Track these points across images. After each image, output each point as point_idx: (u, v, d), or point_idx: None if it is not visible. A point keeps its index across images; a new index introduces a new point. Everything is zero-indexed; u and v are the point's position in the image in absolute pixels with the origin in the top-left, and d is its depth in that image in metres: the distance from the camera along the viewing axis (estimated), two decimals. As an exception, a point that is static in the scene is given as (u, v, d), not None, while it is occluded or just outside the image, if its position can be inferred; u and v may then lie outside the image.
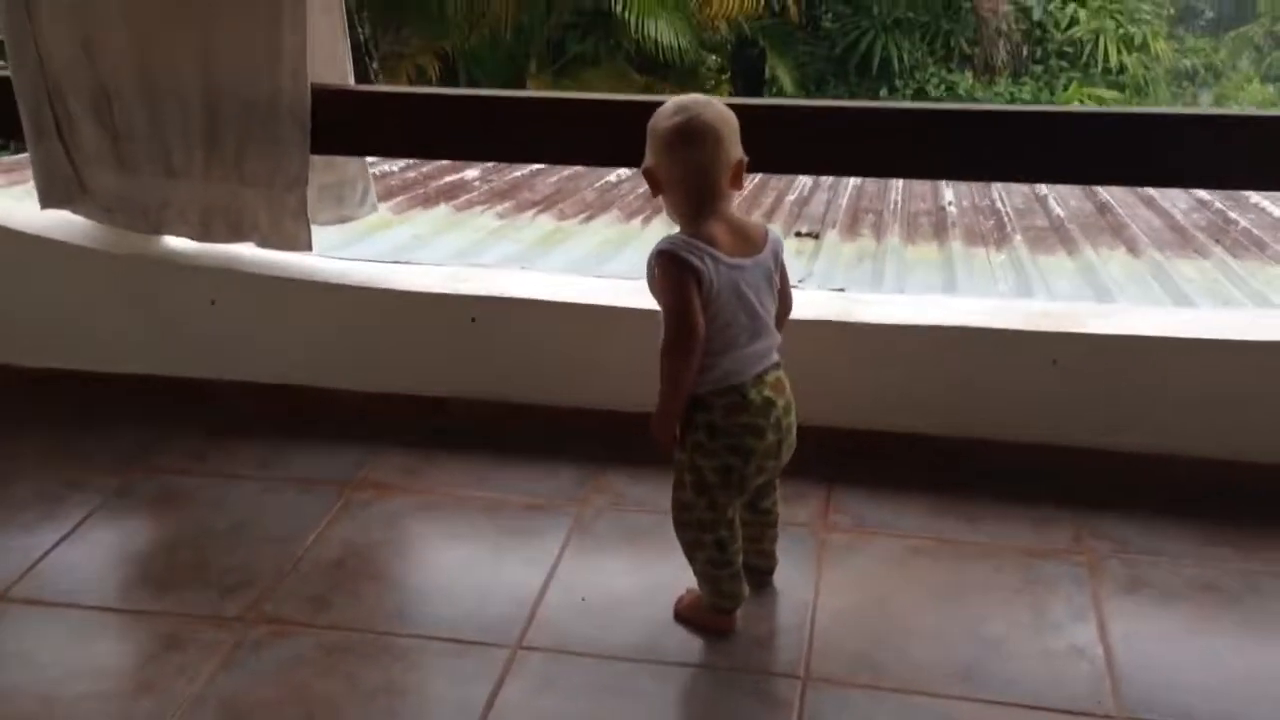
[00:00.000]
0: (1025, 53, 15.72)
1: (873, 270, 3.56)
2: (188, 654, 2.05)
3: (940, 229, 4.12)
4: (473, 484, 2.62)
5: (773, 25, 14.40)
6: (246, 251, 2.91)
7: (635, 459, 2.64)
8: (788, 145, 2.53)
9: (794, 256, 3.75)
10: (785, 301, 2.04)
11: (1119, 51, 16.04)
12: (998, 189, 4.77)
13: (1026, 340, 2.57)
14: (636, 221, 4.28)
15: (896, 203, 4.54)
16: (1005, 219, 4.28)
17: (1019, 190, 4.71)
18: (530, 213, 4.34)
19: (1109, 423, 2.57)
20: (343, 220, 2.94)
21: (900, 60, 15.25)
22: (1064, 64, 16.12)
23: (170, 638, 2.09)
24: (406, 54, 12.71)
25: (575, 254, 3.74)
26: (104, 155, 2.76)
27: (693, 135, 1.84)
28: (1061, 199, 4.62)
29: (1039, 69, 16.10)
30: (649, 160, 1.89)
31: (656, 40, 11.26)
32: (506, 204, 4.46)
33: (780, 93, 15.31)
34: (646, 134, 1.89)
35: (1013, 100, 15.33)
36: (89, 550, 2.37)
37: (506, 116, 2.69)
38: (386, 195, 4.51)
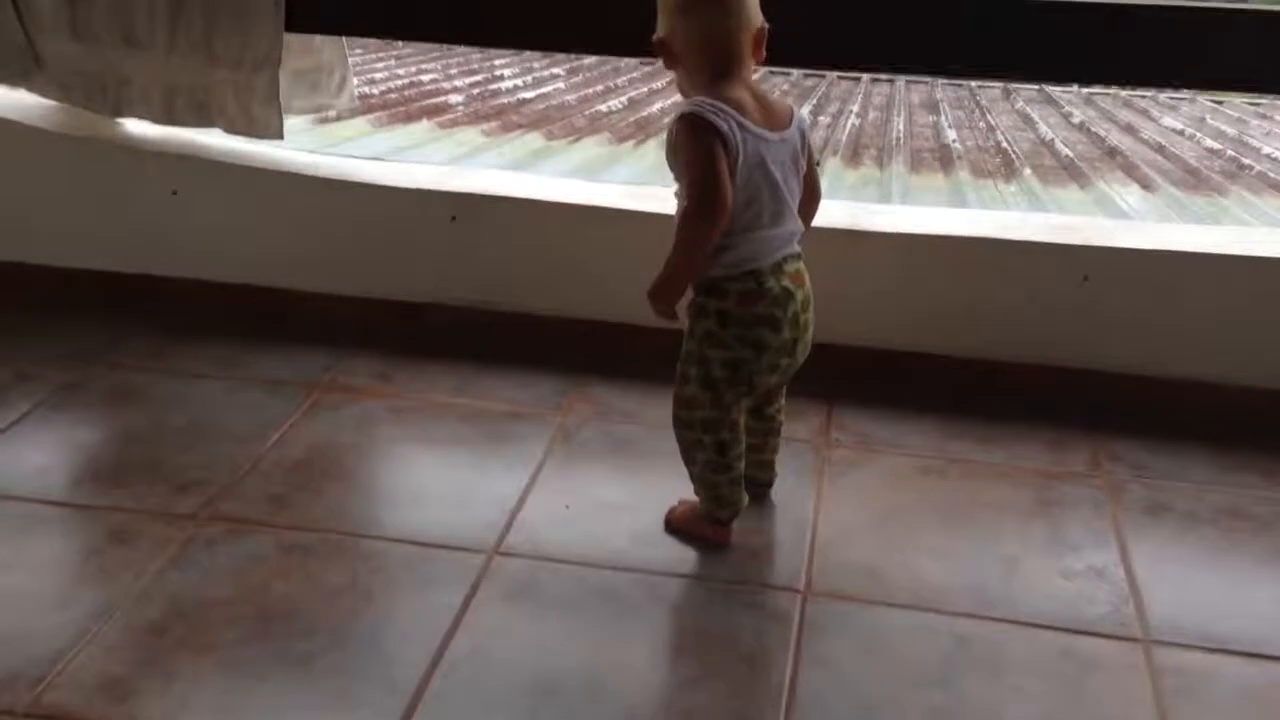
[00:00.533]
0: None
1: (878, 195, 3.40)
2: (135, 549, 1.89)
3: (946, 161, 3.97)
4: (450, 390, 2.46)
5: None
6: (212, 138, 2.73)
7: (622, 370, 2.50)
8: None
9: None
10: (812, 188, 1.88)
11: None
12: (1003, 132, 4.62)
13: (1054, 254, 2.42)
14: (628, 145, 4.11)
15: (898, 138, 4.39)
16: (1013, 156, 4.13)
17: (1024, 133, 4.56)
18: (516, 131, 4.16)
19: (1137, 345, 2.43)
20: (318, 110, 2.76)
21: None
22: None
23: (117, 533, 1.93)
24: None
25: (563, 168, 3.56)
26: (60, 21, 2.57)
27: (714, 6, 1.70)
28: (1069, 142, 4.48)
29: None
30: (661, 29, 1.74)
31: None
32: (492, 124, 4.27)
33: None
34: (658, 4, 1.75)
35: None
36: (32, 443, 2.20)
37: None
38: (364, 110, 4.32)
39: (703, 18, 1.71)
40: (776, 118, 1.76)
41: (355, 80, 2.81)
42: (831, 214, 2.53)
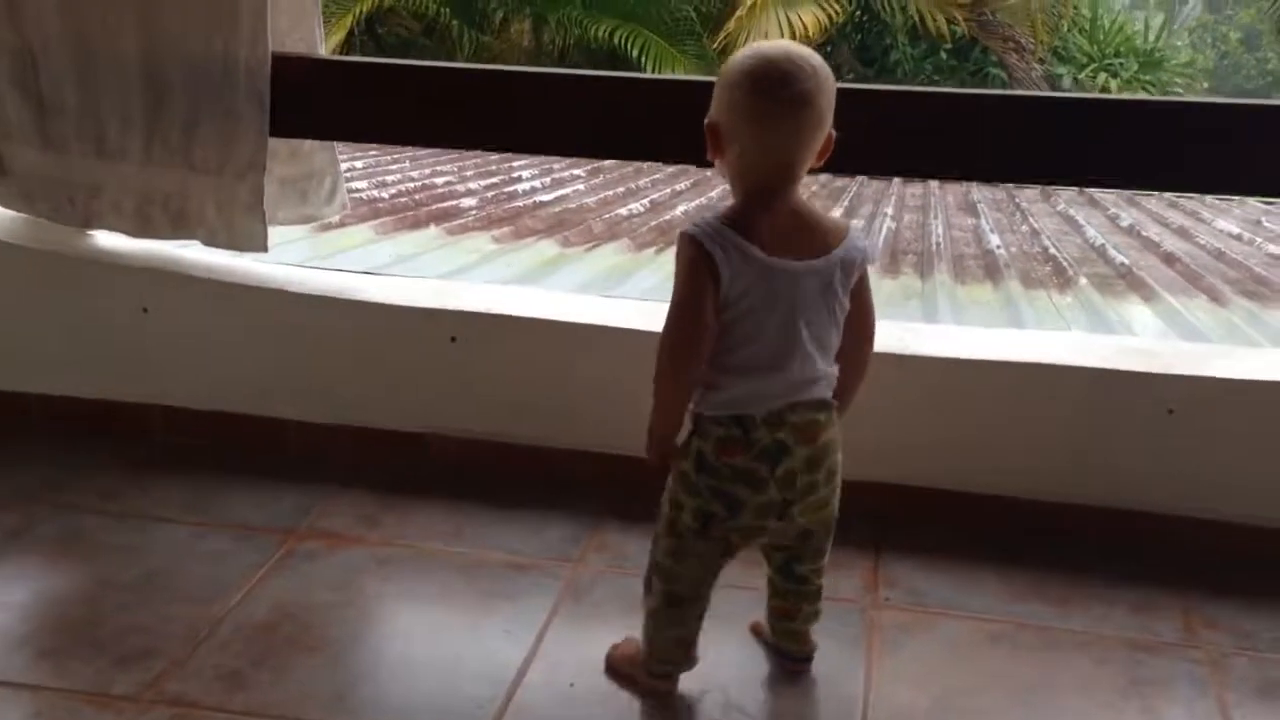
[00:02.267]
0: (1053, 121, 15.51)
1: (922, 309, 3.16)
2: (56, 745, 1.62)
3: (992, 270, 3.74)
4: (446, 535, 2.21)
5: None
6: (189, 251, 2.53)
7: (643, 514, 2.21)
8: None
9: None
10: (862, 326, 1.63)
11: (1150, 123, 15.85)
12: (1048, 236, 4.40)
13: (1131, 384, 2.16)
14: (649, 251, 3.90)
15: (938, 243, 4.17)
16: (1063, 264, 3.89)
17: (1073, 238, 4.34)
18: (529, 238, 3.97)
19: (1229, 488, 2.16)
20: (306, 220, 2.56)
21: (922, 123, 15.03)
22: (1093, 133, 15.93)
23: (36, 722, 1.66)
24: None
25: (580, 276, 3.34)
26: (26, 129, 2.39)
27: (778, 104, 1.46)
28: (1120, 247, 4.24)
29: (1067, 138, 15.90)
30: (714, 114, 1.52)
31: (671, 86, 11.01)
32: (503, 229, 4.08)
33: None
34: (718, 86, 1.53)
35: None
36: (-41, 602, 1.95)
37: (530, 93, 2.29)
38: (370, 216, 4.15)
39: (760, 130, 1.48)
40: (813, 242, 1.52)
41: (349, 186, 2.61)
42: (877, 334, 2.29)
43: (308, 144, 2.46)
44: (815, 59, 1.48)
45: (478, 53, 12.79)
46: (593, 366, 2.37)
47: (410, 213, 4.30)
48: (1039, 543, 2.19)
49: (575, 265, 3.53)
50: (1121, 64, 16.53)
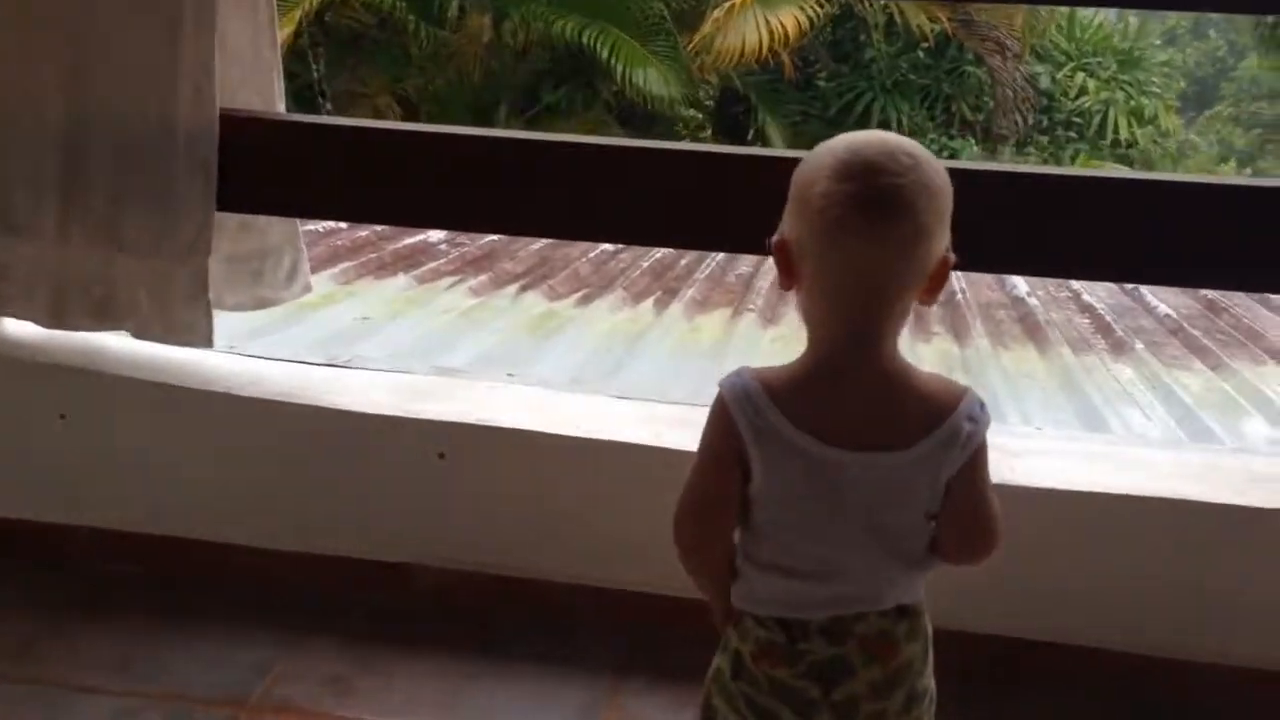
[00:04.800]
0: (1030, 121, 15.34)
1: (971, 383, 2.82)
2: None
3: (1033, 329, 3.41)
4: (435, 703, 1.85)
5: (764, 80, 13.89)
6: (117, 344, 2.15)
7: (673, 668, 1.89)
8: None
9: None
10: (969, 528, 1.20)
11: (1129, 124, 15.75)
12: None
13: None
14: (647, 304, 3.54)
15: (961, 288, 3.85)
16: (1107, 319, 3.58)
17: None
18: (512, 288, 3.60)
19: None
20: (260, 304, 2.19)
21: (899, 124, 14.79)
22: (1071, 134, 15.80)
23: None
24: (363, 94, 12.04)
25: (577, 350, 2.98)
26: (-85, 202, 2.00)
27: (866, 213, 1.07)
28: (1157, 291, 3.94)
29: (1044, 139, 15.76)
30: (786, 228, 1.15)
31: (646, 90, 10.64)
32: (481, 276, 3.71)
33: (770, 153, 14.80)
34: (791, 187, 1.15)
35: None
36: None
37: (526, 164, 1.93)
38: (330, 259, 3.75)
39: (845, 251, 1.09)
40: (905, 422, 1.13)
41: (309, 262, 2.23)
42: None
43: (263, 217, 2.09)
44: (919, 151, 1.11)
45: (434, 48, 12.35)
46: (608, 486, 2.02)
47: (373, 254, 3.91)
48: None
49: (570, 330, 3.16)
50: (1099, 63, 16.40)
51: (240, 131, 1.94)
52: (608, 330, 3.16)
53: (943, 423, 1.12)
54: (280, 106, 2.06)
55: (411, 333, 3.00)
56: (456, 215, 2.00)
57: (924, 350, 3.16)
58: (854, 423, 1.12)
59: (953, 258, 1.12)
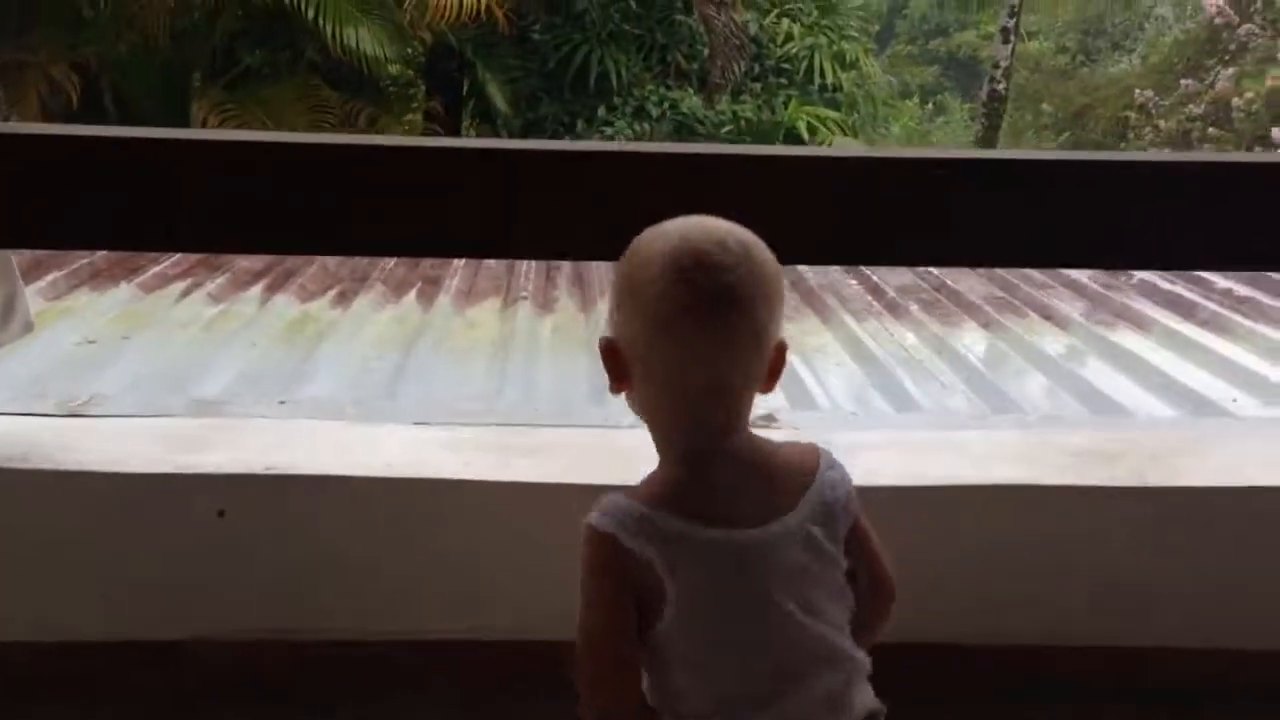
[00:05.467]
0: (743, 69, 15.74)
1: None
2: None
3: (808, 296, 3.40)
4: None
5: (479, 34, 13.53)
6: None
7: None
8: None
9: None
10: (877, 589, 1.17)
11: (834, 69, 16.43)
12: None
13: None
14: (410, 298, 3.29)
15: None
16: (870, 278, 3.62)
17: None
18: (255, 289, 3.25)
19: None
20: (-29, 353, 1.83)
21: (619, 76, 14.84)
22: (782, 80, 16.32)
23: None
24: (33, 64, 10.84)
25: (348, 361, 2.70)
26: None
27: (706, 311, 1.03)
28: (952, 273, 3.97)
29: (757, 86, 16.21)
30: (613, 327, 1.09)
31: (358, 50, 10.09)
32: (217, 278, 3.33)
33: (490, 112, 14.50)
34: (617, 283, 1.10)
35: (736, 120, 15.32)
36: None
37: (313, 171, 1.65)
38: (32, 269, 3.27)
39: (681, 350, 1.04)
40: (774, 492, 1.09)
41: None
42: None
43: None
44: (747, 236, 1.06)
45: (112, 8, 11.26)
46: (417, 528, 1.81)
47: (84, 259, 3.44)
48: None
49: (334, 337, 2.86)
50: (801, 8, 17.00)
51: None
52: (376, 335, 2.89)
53: (813, 478, 1.11)
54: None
55: (150, 357, 2.62)
56: (233, 234, 1.71)
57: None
58: (743, 502, 1.08)
59: (785, 344, 1.10)
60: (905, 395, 2.54)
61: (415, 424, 1.99)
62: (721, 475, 1.07)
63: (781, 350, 1.09)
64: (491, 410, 2.13)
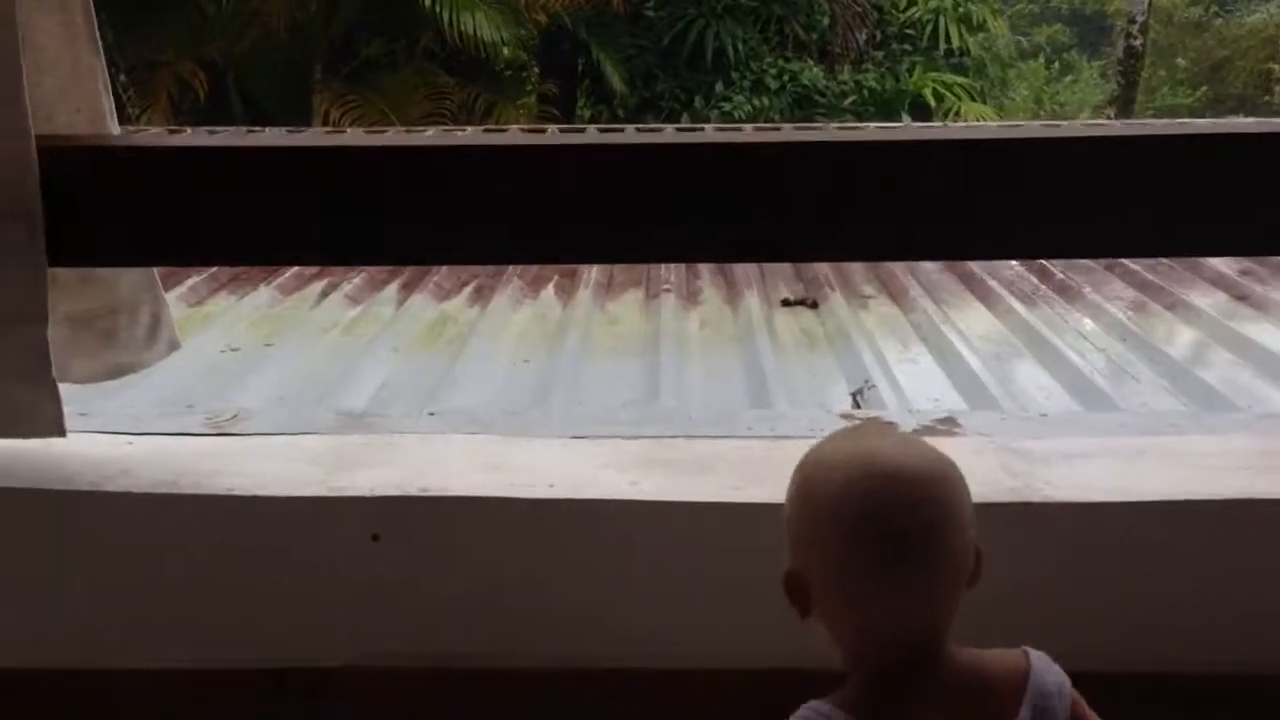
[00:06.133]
0: (865, 37, 15.37)
1: (939, 359, 2.58)
2: None
3: (969, 279, 3.20)
4: None
5: (592, 14, 13.46)
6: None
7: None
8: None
9: (798, 346, 2.72)
10: None
11: (959, 33, 15.94)
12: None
13: None
14: (548, 292, 3.19)
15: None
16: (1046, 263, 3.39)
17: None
18: (391, 289, 3.19)
19: None
20: (117, 373, 1.77)
21: (735, 50, 14.63)
22: (906, 47, 15.91)
23: None
24: (162, 63, 11.14)
25: (493, 365, 2.61)
26: None
27: (896, 551, 0.99)
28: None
29: (879, 54, 15.83)
30: (794, 559, 1.06)
31: (476, 36, 10.10)
32: (354, 278, 3.27)
33: (607, 92, 14.45)
34: (787, 509, 1.07)
35: (859, 89, 14.95)
36: None
37: (435, 169, 1.56)
38: (171, 275, 3.26)
39: (876, 593, 1.00)
40: (988, 707, 1.04)
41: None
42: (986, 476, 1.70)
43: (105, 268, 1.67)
44: (926, 451, 1.06)
45: (234, 5, 11.48)
46: (581, 553, 1.70)
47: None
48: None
49: (475, 340, 2.77)
50: (923, -29, 16.52)
51: (66, 163, 1.51)
52: (517, 334, 2.80)
53: (1024, 689, 1.05)
54: (112, 121, 1.63)
55: (293, 364, 2.57)
56: (366, 247, 1.62)
57: (868, 317, 2.90)
58: None
59: (981, 550, 1.05)
60: (1094, 390, 2.33)
61: (573, 437, 1.87)
62: (925, 699, 1.01)
63: (979, 556, 1.03)
64: (647, 418, 1.99)
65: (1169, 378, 2.45)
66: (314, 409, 2.10)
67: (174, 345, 1.82)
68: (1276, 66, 17.73)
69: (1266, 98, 17.92)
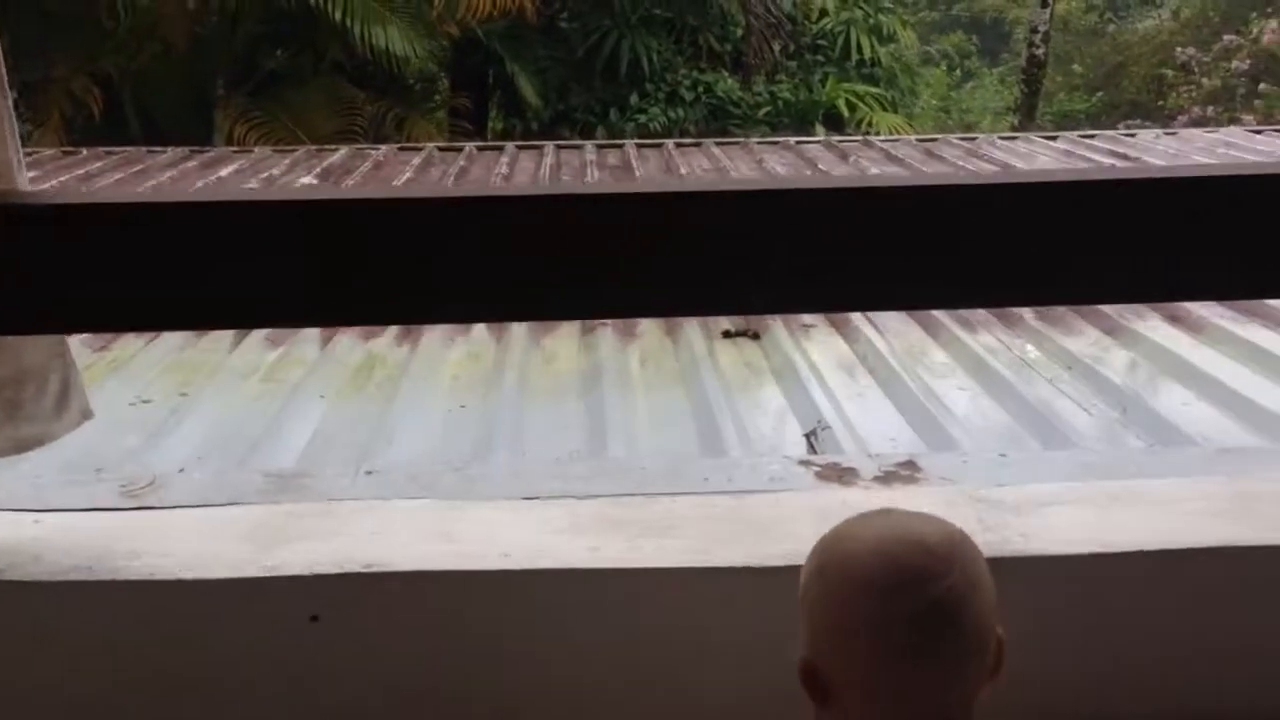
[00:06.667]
0: (779, 48, 15.45)
1: (888, 392, 2.52)
2: None
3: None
4: None
5: (506, 27, 13.32)
6: None
7: None
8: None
9: (745, 383, 2.65)
10: None
11: (871, 44, 16.11)
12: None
13: None
14: (479, 326, 3.07)
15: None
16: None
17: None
18: (312, 329, 3.04)
19: None
20: (22, 447, 1.63)
21: (650, 61, 14.61)
22: (819, 58, 16.03)
23: None
24: (54, 79, 10.74)
25: (428, 416, 2.48)
26: None
27: (928, 635, 0.97)
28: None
29: (793, 64, 15.93)
30: (811, 650, 1.02)
31: (386, 50, 9.90)
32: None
33: (520, 105, 14.31)
34: (809, 600, 1.04)
35: (774, 100, 15.01)
36: None
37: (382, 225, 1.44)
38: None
39: (901, 678, 0.97)
40: None
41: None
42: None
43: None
44: (940, 527, 1.04)
45: (132, 19, 11.11)
46: (543, 628, 1.60)
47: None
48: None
49: (405, 385, 2.65)
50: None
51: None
52: (451, 376, 2.68)
53: None
54: (22, 175, 1.49)
55: (212, 418, 2.41)
56: (295, 308, 1.50)
57: (818, 352, 2.84)
58: None
59: (1003, 637, 1.03)
60: (1046, 425, 2.30)
61: (524, 499, 1.77)
62: None
63: (1001, 642, 1.01)
64: (598, 472, 1.90)
65: (1118, 409, 2.43)
66: (238, 471, 1.96)
67: (86, 415, 1.68)
68: (1168, 72, 18.25)
69: (1160, 102, 18.43)
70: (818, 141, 7.30)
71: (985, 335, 2.92)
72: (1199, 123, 13.04)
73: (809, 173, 5.90)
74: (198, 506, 1.74)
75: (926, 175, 4.17)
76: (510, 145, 6.60)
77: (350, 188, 4.68)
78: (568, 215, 1.22)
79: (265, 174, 5.51)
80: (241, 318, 1.67)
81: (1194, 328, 2.96)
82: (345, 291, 1.36)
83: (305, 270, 1.36)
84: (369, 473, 1.96)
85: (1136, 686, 1.63)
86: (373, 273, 1.24)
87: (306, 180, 5.91)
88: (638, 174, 5.75)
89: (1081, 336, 2.91)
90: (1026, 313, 3.08)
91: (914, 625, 0.95)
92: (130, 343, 2.90)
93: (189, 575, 1.56)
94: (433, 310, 1.57)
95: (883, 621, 0.96)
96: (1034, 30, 16.75)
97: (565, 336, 2.95)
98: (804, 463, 2.02)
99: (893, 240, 1.18)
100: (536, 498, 1.78)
